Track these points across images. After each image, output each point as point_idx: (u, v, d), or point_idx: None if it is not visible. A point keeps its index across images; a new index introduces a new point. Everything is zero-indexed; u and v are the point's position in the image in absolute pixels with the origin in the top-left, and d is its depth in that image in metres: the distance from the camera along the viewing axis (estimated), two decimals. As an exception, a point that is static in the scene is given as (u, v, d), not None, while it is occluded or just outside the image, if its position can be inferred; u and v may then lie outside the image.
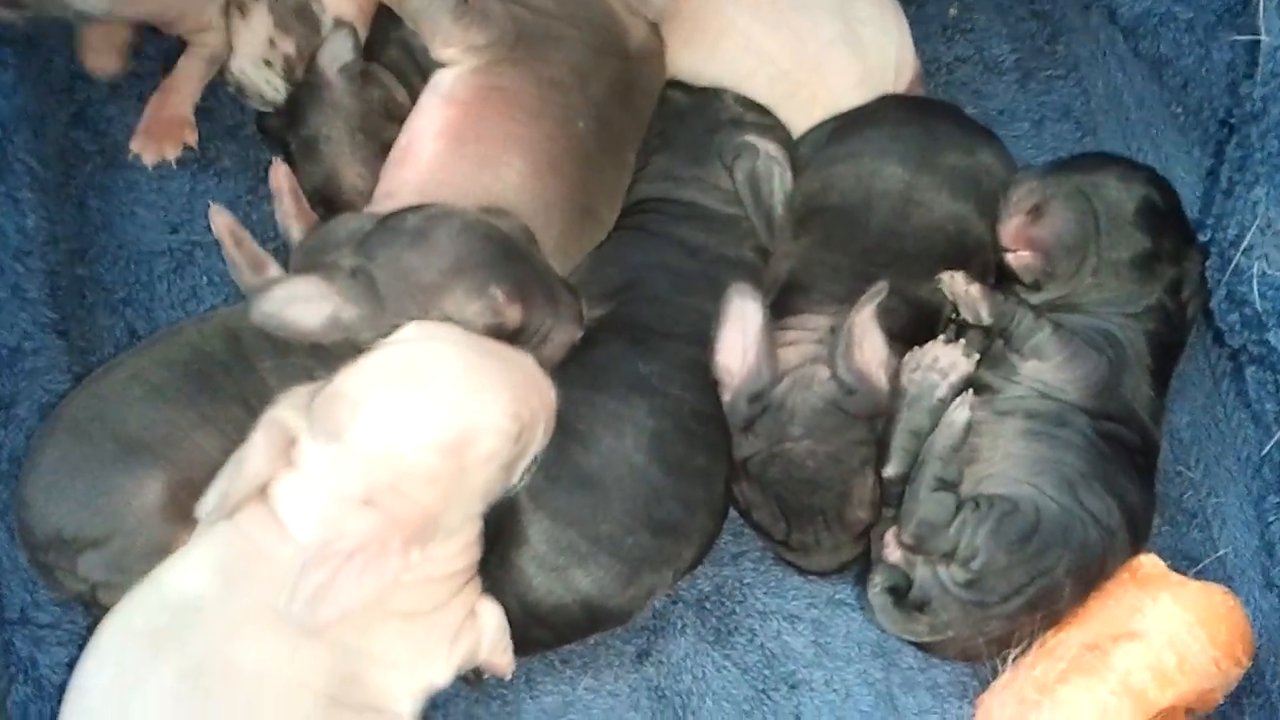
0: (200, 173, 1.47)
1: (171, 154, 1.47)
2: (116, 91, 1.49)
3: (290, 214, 1.38)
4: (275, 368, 1.19)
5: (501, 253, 1.18)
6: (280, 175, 1.39)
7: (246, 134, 1.50)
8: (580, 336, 1.24)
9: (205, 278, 1.42)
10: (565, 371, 1.21)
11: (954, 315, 1.30)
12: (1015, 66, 1.60)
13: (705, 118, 1.41)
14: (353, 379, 1.07)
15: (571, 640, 1.24)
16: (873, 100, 1.44)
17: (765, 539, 1.28)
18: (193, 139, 1.48)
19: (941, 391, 1.19)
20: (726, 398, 1.23)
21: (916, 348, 1.23)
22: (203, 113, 1.50)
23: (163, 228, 1.44)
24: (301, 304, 1.16)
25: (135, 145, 1.46)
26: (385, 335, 1.13)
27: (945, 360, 1.21)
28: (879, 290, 1.21)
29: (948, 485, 1.13)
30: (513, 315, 1.17)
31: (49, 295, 1.35)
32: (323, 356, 1.18)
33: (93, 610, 1.16)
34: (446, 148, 1.31)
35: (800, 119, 1.44)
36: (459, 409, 1.05)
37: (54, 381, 1.31)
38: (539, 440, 1.14)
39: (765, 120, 1.42)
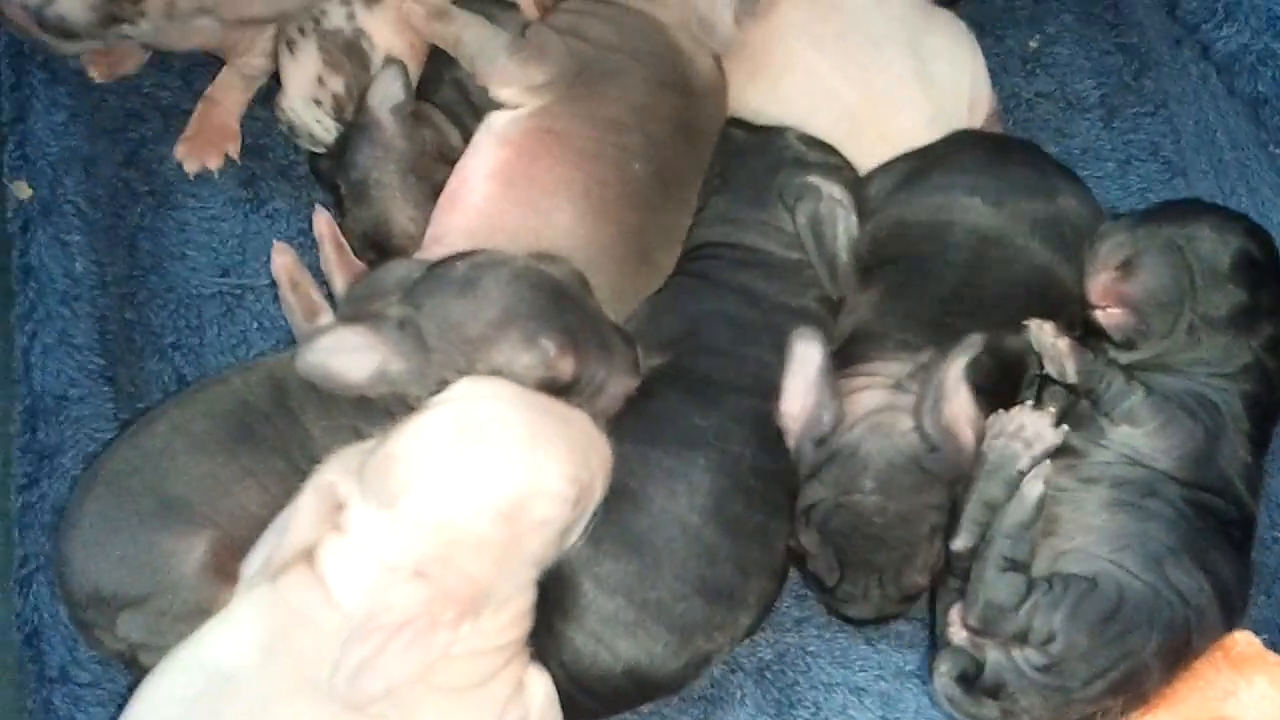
0: (252, 213, 1.44)
1: (214, 163, 1.45)
2: (170, 130, 1.47)
3: (333, 262, 1.34)
4: (319, 420, 1.15)
5: (553, 301, 1.13)
6: (321, 223, 1.36)
7: (300, 175, 1.47)
8: (636, 387, 1.18)
9: (256, 323, 1.39)
10: (618, 424, 1.16)
11: (1040, 370, 1.22)
12: (1099, 103, 1.53)
13: (766, 157, 1.35)
14: (406, 442, 1.02)
15: (621, 710, 1.18)
16: (946, 138, 1.37)
17: (809, 581, 1.22)
18: (235, 150, 1.46)
19: (1023, 463, 1.11)
20: (791, 444, 1.18)
21: (1001, 412, 1.15)
22: (256, 151, 1.47)
23: (213, 270, 1.41)
24: (347, 355, 1.12)
25: (178, 152, 1.45)
26: (433, 389, 1.09)
27: (1031, 429, 1.13)
28: (974, 344, 1.15)
29: (1017, 565, 1.05)
30: (565, 367, 1.12)
31: (97, 340, 1.33)
32: (368, 411, 1.14)
33: (133, 670, 1.13)
34: (497, 191, 1.26)
35: (868, 159, 1.37)
36: (517, 473, 1.01)
37: (100, 430, 1.29)
38: (596, 501, 1.09)
39: (830, 160, 1.35)
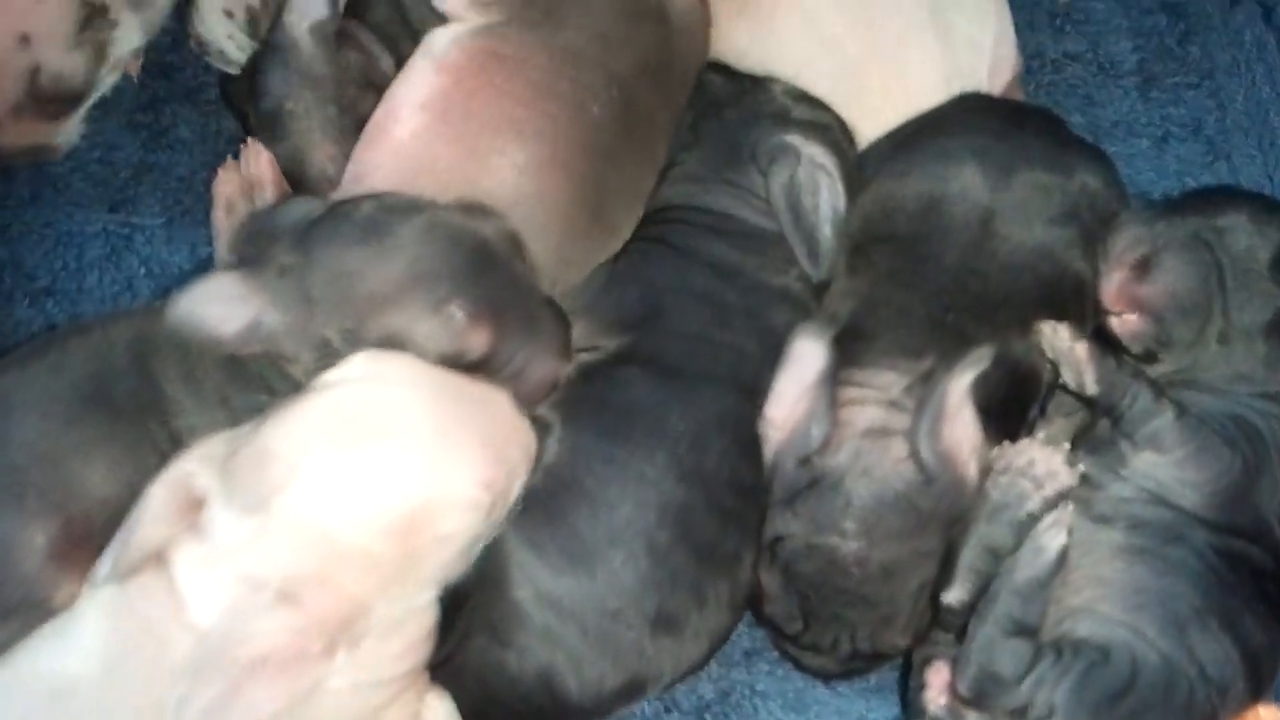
0: (151, 142, 1.25)
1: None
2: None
3: None
4: (182, 386, 0.97)
5: (471, 261, 0.94)
6: (262, 162, 1.15)
7: (210, 99, 1.28)
8: (566, 373, 1.00)
9: (144, 268, 1.21)
10: (577, 412, 1.01)
11: (1056, 378, 1.05)
12: (1137, 69, 1.35)
13: (743, 109, 1.16)
14: (282, 432, 0.85)
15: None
16: (951, 100, 1.18)
17: (764, 623, 1.06)
18: (134, 67, 1.27)
19: (1032, 505, 0.94)
20: (768, 455, 1.02)
21: (1007, 444, 0.98)
22: (161, 70, 1.29)
23: (100, 205, 1.23)
24: (220, 304, 0.92)
25: None
26: (316, 354, 0.92)
27: (1042, 466, 0.95)
28: (980, 357, 0.99)
29: (1025, 630, 0.88)
30: (476, 341, 0.93)
31: (-41, 286, 1.14)
32: (241, 379, 0.96)
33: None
34: (429, 125, 1.07)
35: (870, 123, 1.18)
36: (417, 479, 0.84)
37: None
38: (511, 503, 0.92)
39: (817, 117, 1.15)
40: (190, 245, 1.22)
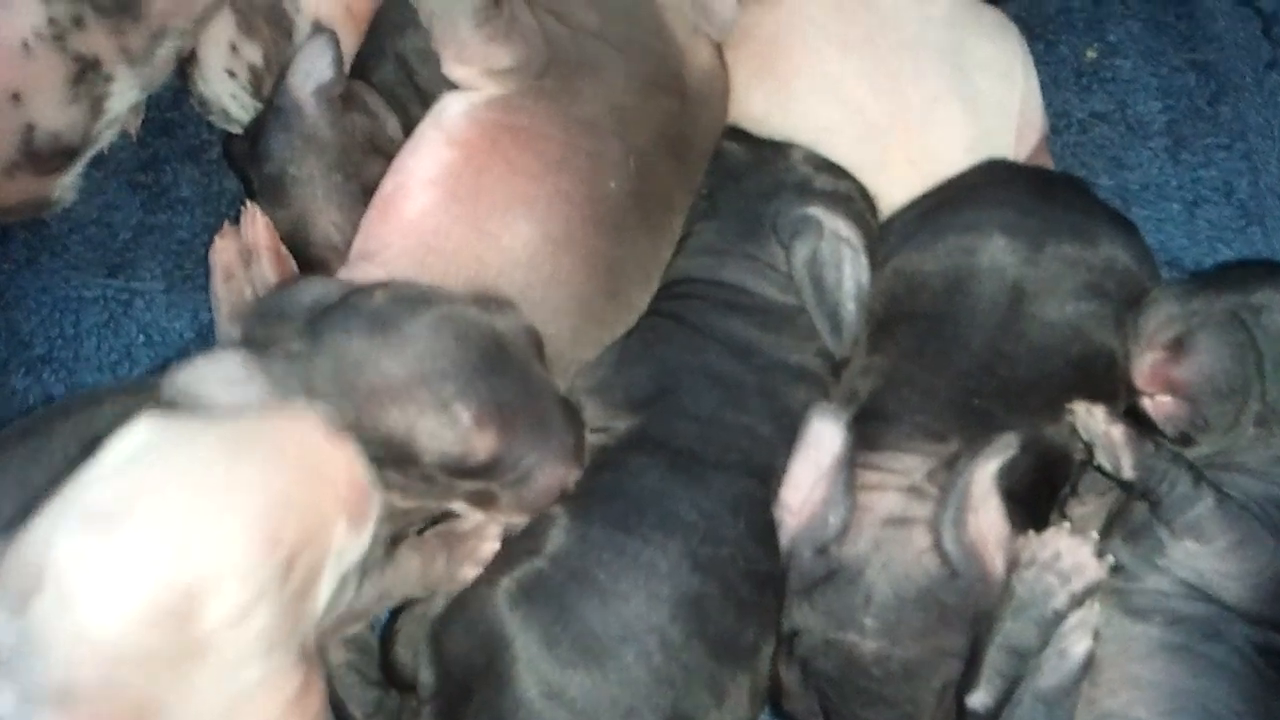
0: (152, 202, 1.21)
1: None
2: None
3: (271, 281, 1.11)
4: None
5: (483, 359, 0.90)
6: (259, 227, 1.12)
7: (212, 158, 1.24)
8: (576, 479, 0.95)
9: (143, 335, 1.17)
10: (586, 501, 0.96)
11: (1088, 459, 1.01)
12: (1166, 130, 1.30)
13: (763, 178, 1.12)
14: (38, 525, 0.76)
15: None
16: (976, 168, 1.14)
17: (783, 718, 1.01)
18: (134, 125, 1.23)
19: (1059, 601, 0.90)
20: (784, 542, 0.98)
21: (1032, 534, 0.93)
22: (162, 127, 1.24)
23: (99, 269, 1.19)
24: (220, 385, 0.88)
25: None
26: None
27: (1069, 559, 0.91)
28: (1007, 445, 0.94)
29: None
30: (482, 444, 0.89)
31: (-53, 354, 1.10)
32: None
33: None
34: (439, 203, 1.03)
35: (894, 190, 1.14)
36: (169, 561, 0.74)
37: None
38: (358, 543, 0.83)
39: (840, 187, 1.12)
40: (192, 311, 1.18)
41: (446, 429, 0.87)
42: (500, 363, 0.91)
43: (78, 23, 0.99)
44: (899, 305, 1.07)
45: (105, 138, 1.16)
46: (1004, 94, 1.17)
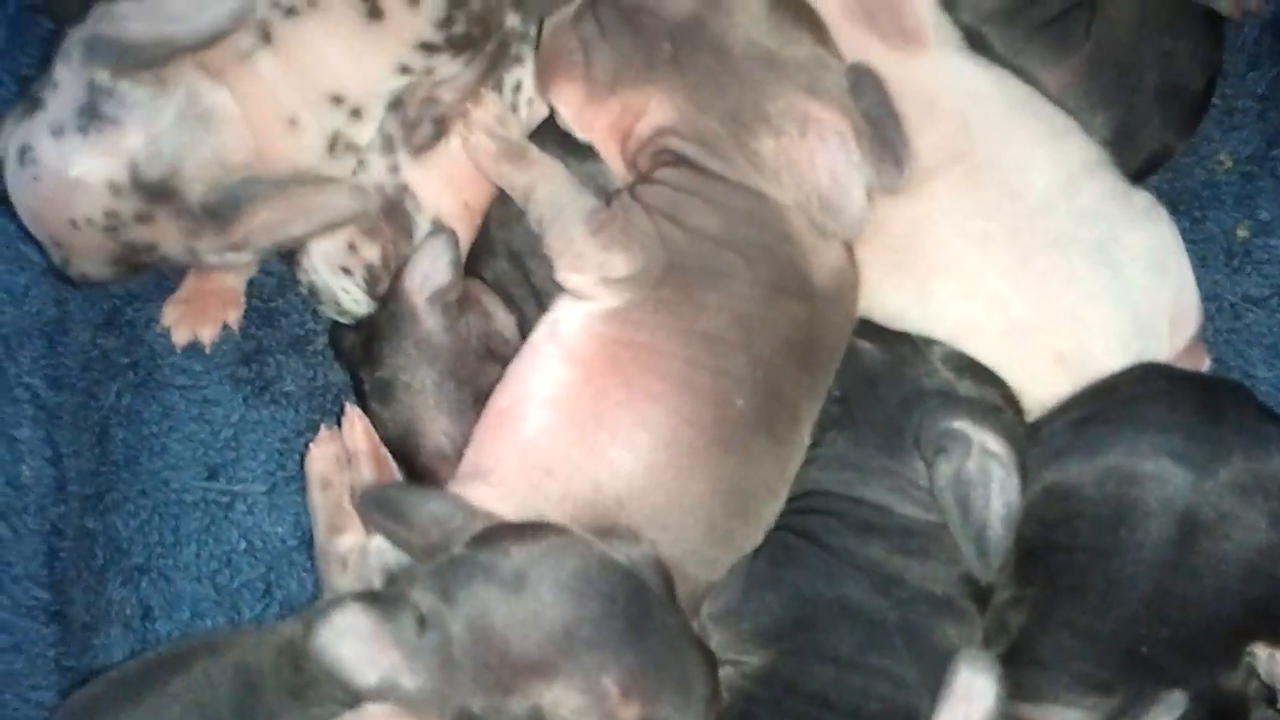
0: (254, 398, 1.16)
1: (207, 334, 1.17)
2: (161, 286, 1.18)
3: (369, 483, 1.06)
4: None
5: (626, 621, 0.85)
6: (359, 432, 1.08)
7: (317, 348, 1.19)
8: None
9: (244, 541, 1.12)
10: None
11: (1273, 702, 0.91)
12: (1332, 319, 1.19)
13: (902, 384, 1.04)
14: None
15: None
16: (1130, 374, 1.05)
17: None
18: (235, 318, 1.18)
19: None
20: None
21: None
22: (264, 316, 1.19)
23: (198, 470, 1.14)
24: (357, 646, 0.84)
25: (166, 316, 1.17)
26: None
27: None
28: (1178, 702, 0.87)
29: None
30: (627, 715, 0.83)
31: (43, 566, 1.07)
32: None
33: None
34: (556, 423, 0.97)
35: (1040, 389, 1.06)
36: None
37: (37, 687, 1.02)
38: None
39: (986, 395, 1.03)
40: (294, 516, 1.12)
41: (594, 705, 0.82)
42: (642, 619, 0.85)
43: (143, 219, 0.96)
44: (1053, 533, 0.99)
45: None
46: (1157, 286, 1.09)
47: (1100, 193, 1.08)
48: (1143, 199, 1.12)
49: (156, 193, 0.95)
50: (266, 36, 0.97)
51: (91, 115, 0.94)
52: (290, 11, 0.97)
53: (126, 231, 0.96)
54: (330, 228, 1.04)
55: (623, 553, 0.88)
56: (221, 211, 0.97)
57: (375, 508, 0.94)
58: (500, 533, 0.88)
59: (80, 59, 0.94)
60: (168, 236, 0.97)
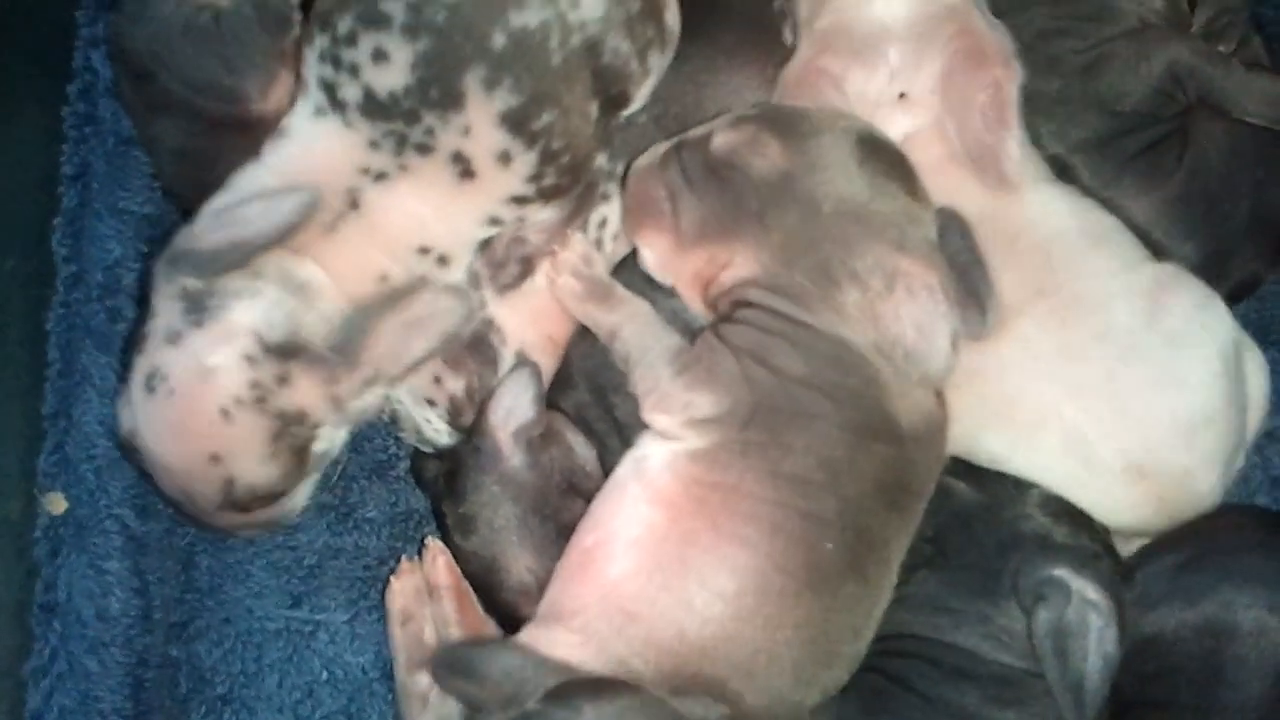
0: (338, 524, 1.17)
1: None
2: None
3: (452, 621, 1.05)
4: None
5: None
6: (440, 567, 1.07)
7: (398, 474, 1.19)
8: None
9: (325, 671, 1.11)
10: None
11: None
12: None
13: (997, 526, 1.02)
14: None
15: None
16: (1224, 516, 1.04)
17: None
18: None
19: None
20: None
21: None
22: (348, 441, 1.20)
23: (282, 598, 1.14)
24: None
25: None
26: None
27: None
28: None
29: None
30: None
31: (128, 697, 1.07)
32: None
33: None
34: (642, 568, 0.95)
35: (1141, 527, 1.04)
36: None
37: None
38: None
39: (1083, 543, 1.01)
40: (375, 645, 1.12)
41: None
42: None
43: (283, 381, 0.97)
44: (1148, 686, 0.97)
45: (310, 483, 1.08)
46: (1256, 417, 1.08)
47: (1186, 307, 1.06)
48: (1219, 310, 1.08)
49: (287, 351, 0.96)
50: (354, 203, 0.98)
51: (199, 310, 0.95)
52: (381, 177, 0.98)
53: (274, 399, 0.96)
54: (447, 339, 1.02)
55: (698, 715, 0.86)
56: (348, 346, 0.97)
57: (447, 670, 0.94)
58: (574, 690, 0.87)
59: (166, 276, 0.96)
60: (310, 394, 0.98)
